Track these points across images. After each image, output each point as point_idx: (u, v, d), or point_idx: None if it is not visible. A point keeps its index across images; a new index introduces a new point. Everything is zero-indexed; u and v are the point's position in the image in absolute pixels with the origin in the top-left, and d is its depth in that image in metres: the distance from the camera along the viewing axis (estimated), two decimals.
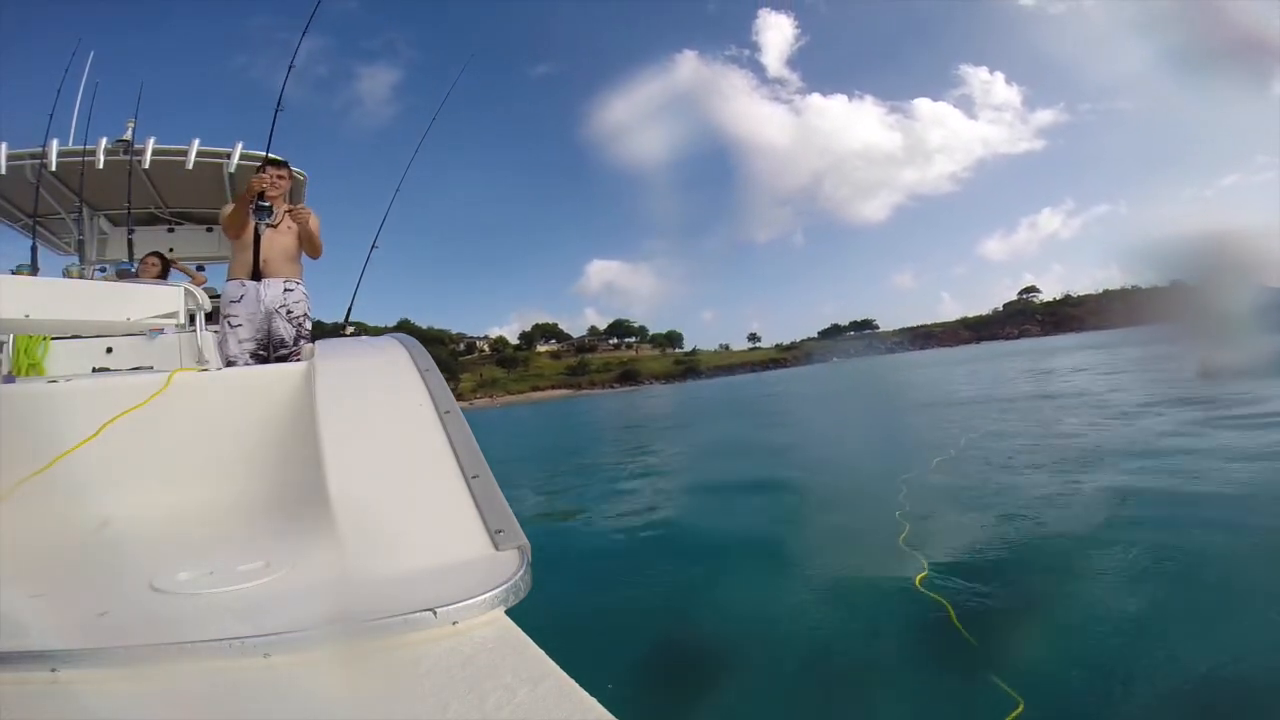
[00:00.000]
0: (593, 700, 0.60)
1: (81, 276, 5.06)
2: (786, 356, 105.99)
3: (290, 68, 4.42)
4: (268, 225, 3.04)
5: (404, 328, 66.24)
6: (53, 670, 0.67)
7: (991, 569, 3.22)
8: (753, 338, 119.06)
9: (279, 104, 4.14)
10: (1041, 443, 6.51)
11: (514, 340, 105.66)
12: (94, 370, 3.57)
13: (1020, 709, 1.98)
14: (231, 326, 3.02)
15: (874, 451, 7.47)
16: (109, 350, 3.79)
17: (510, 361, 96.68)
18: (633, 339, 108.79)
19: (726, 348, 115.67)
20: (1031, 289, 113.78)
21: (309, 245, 3.19)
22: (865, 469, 6.32)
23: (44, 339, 3.51)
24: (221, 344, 3.02)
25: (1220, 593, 2.68)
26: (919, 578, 3.04)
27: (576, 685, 0.63)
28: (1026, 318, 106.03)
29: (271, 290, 3.07)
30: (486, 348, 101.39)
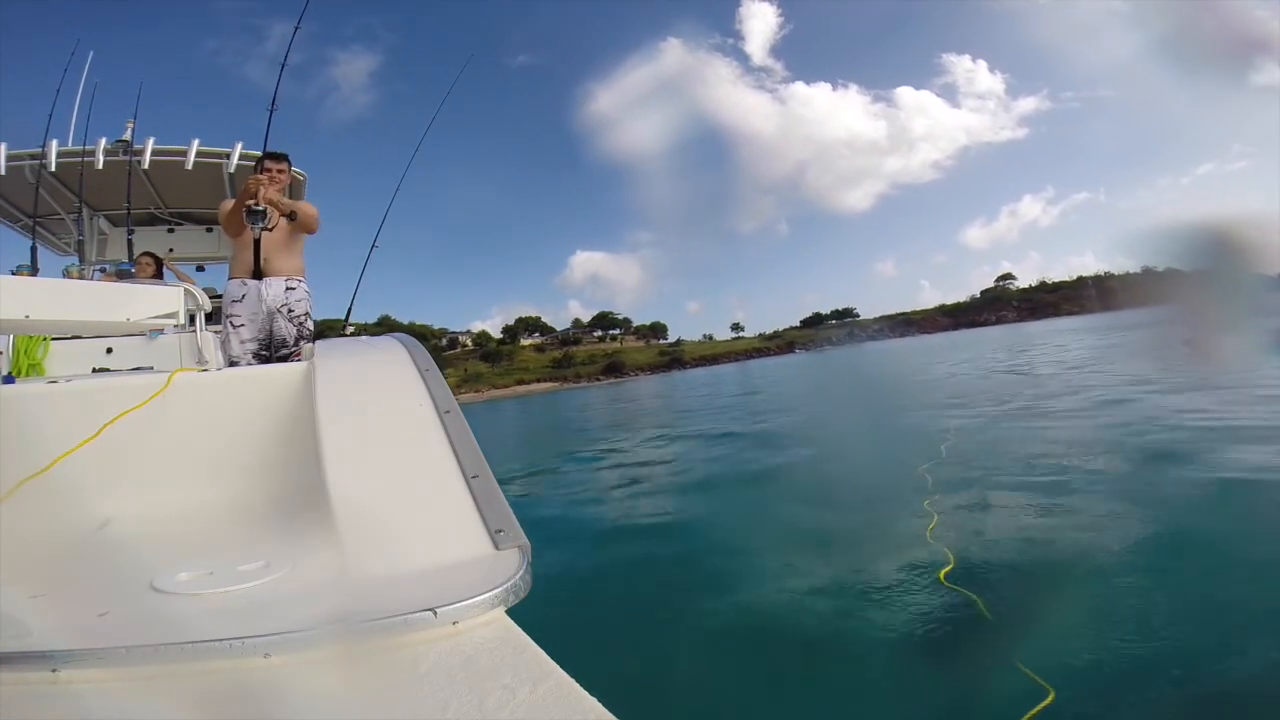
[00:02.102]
0: (593, 700, 0.60)
1: (81, 277, 5.07)
2: (770, 346, 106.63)
3: (283, 66, 4.42)
4: (262, 229, 3.03)
5: (385, 324, 65.76)
6: (53, 670, 0.68)
7: (1019, 558, 3.19)
8: (736, 327, 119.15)
9: (273, 104, 4.13)
10: (1053, 424, 6.50)
11: (497, 334, 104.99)
12: (94, 371, 3.58)
13: (1050, 699, 1.96)
14: (234, 326, 3.01)
15: (882, 439, 7.44)
16: (109, 351, 3.79)
17: (494, 356, 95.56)
18: (617, 331, 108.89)
19: (710, 338, 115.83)
20: (1008, 276, 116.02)
21: (303, 221, 3.11)
22: (878, 458, 6.29)
23: (44, 339, 3.51)
24: (225, 344, 3.01)
25: (1263, 577, 2.61)
26: (944, 572, 3.02)
27: (576, 685, 0.63)
28: (1003, 304, 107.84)
29: (273, 289, 3.06)
30: (469, 342, 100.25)
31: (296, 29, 4.55)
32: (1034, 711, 1.94)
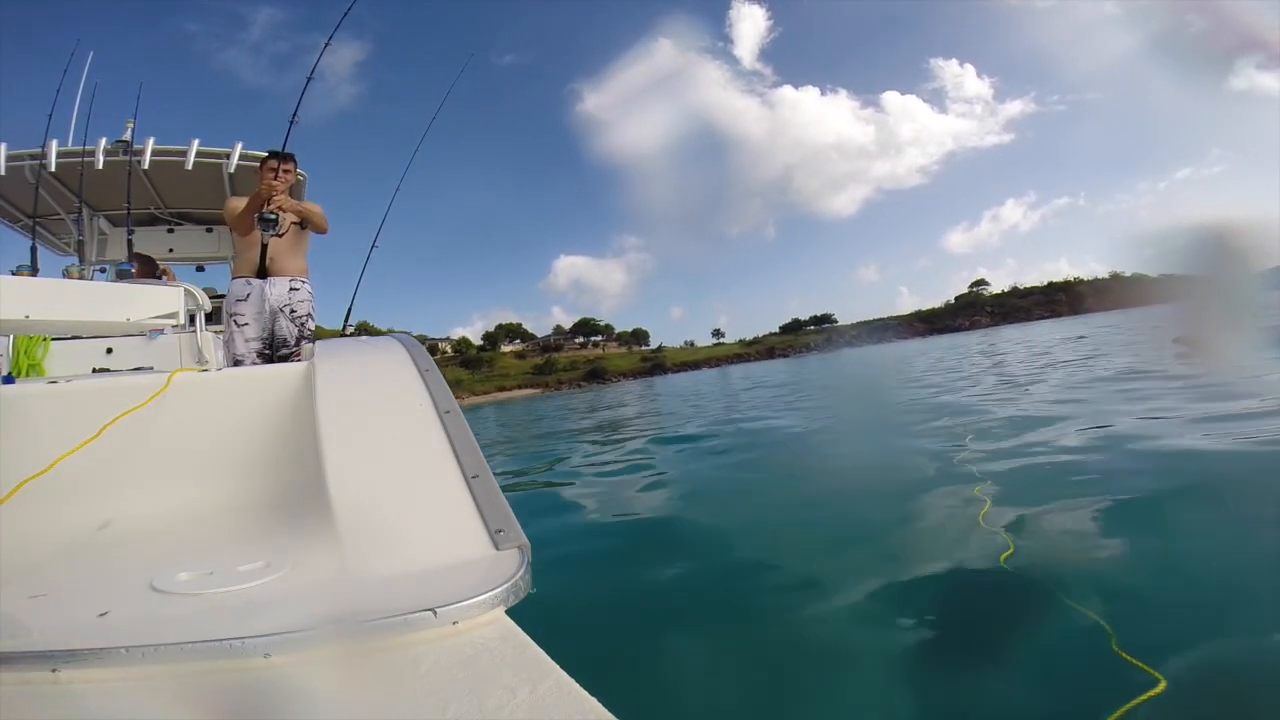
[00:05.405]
0: (593, 700, 0.60)
1: (81, 277, 5.07)
2: (750, 352, 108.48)
3: (308, 80, 4.39)
4: (274, 235, 3.04)
5: (362, 330, 65.99)
6: (54, 670, 0.68)
7: (1084, 535, 2.96)
8: (716, 333, 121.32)
9: (294, 116, 4.11)
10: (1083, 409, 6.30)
11: (477, 341, 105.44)
12: (94, 371, 3.58)
13: (1161, 688, 1.75)
14: (238, 325, 3.01)
15: (904, 432, 7.26)
16: (109, 351, 3.79)
17: (474, 362, 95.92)
18: (599, 337, 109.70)
19: (692, 344, 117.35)
20: (981, 282, 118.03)
21: (313, 223, 3.18)
22: (905, 449, 6.13)
23: (44, 339, 3.51)
24: (228, 343, 3.02)
25: None
26: (1004, 556, 2.89)
27: (576, 685, 0.63)
28: (977, 310, 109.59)
29: (277, 289, 3.07)
30: (449, 349, 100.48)
31: (327, 44, 4.52)
32: (1141, 699, 1.72)
